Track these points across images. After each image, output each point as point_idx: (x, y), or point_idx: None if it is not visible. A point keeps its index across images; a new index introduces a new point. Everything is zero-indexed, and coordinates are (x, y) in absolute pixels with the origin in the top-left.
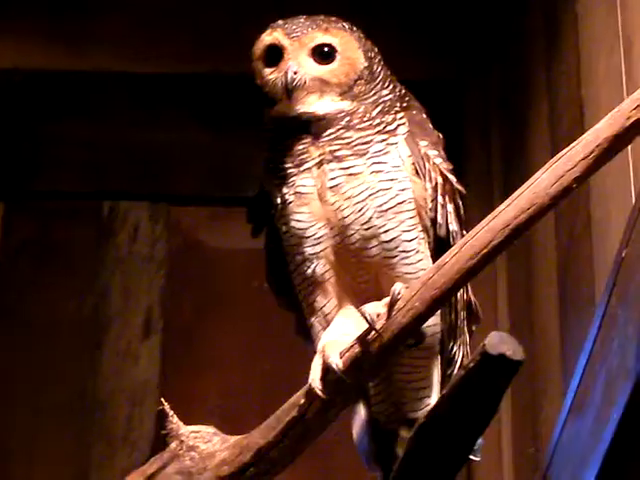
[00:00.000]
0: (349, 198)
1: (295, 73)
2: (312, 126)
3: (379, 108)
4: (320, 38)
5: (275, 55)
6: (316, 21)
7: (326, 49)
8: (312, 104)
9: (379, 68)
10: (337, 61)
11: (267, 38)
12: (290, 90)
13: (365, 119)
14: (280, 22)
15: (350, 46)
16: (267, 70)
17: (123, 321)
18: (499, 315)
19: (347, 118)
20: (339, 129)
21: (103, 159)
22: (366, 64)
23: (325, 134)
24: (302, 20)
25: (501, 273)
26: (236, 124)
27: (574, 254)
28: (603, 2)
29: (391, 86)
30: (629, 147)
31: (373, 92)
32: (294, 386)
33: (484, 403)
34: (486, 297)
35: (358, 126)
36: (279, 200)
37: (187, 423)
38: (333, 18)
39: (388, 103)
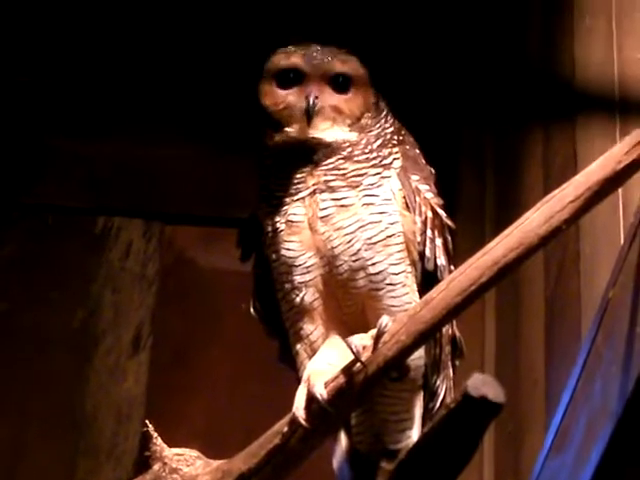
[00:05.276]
0: (339, 229)
1: (316, 98)
2: (316, 153)
3: (379, 141)
4: (339, 68)
5: (290, 78)
6: (333, 51)
7: (343, 79)
8: (324, 131)
9: (383, 103)
10: (351, 92)
11: (283, 61)
12: (311, 115)
13: (366, 151)
14: (292, 47)
15: (363, 79)
16: (281, 92)
17: (113, 337)
18: (486, 350)
19: (349, 149)
20: (339, 159)
21: (99, 175)
22: (374, 100)
23: (324, 163)
24: (319, 48)
25: (489, 309)
26: (233, 145)
27: (562, 290)
28: (601, 33)
29: (391, 120)
30: None
31: (377, 125)
32: (280, 411)
33: (464, 442)
34: (473, 332)
35: (356, 158)
36: (270, 228)
37: (171, 443)
38: (344, 50)
39: (388, 137)
